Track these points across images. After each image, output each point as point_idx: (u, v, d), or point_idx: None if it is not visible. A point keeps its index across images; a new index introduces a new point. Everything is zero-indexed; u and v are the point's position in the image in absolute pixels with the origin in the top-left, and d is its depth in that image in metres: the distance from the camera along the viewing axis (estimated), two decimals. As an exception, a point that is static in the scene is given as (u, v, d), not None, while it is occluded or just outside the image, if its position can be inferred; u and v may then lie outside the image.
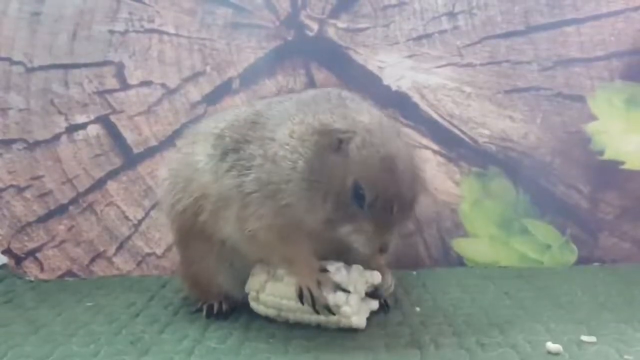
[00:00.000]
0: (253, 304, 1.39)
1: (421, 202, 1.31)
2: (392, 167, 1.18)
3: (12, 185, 1.81)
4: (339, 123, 1.22)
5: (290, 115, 1.28)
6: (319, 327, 1.31)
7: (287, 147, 1.23)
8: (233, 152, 1.32)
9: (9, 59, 1.80)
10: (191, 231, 1.40)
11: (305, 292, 1.27)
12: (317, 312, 1.27)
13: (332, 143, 1.20)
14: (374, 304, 1.35)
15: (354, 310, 1.28)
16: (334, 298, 1.26)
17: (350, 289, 1.27)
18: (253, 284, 1.38)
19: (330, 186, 1.19)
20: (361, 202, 1.18)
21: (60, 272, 1.81)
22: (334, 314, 1.27)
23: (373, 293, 1.34)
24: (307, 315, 1.31)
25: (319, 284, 1.27)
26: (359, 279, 1.30)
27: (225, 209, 1.32)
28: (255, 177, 1.26)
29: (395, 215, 1.19)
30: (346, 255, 1.34)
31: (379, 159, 1.18)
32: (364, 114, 1.25)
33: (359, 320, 1.29)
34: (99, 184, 1.81)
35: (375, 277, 1.32)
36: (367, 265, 1.33)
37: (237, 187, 1.28)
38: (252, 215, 1.26)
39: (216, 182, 1.32)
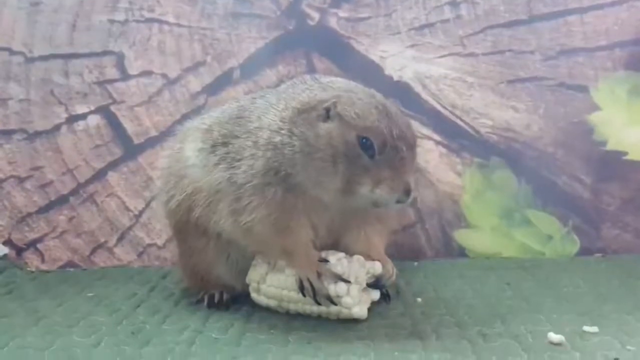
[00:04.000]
0: (254, 295, 1.39)
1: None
2: (387, 112, 1.22)
3: (12, 176, 1.80)
4: (319, 95, 1.26)
5: (272, 104, 1.31)
6: (320, 318, 1.31)
7: (282, 132, 1.25)
8: (222, 145, 1.33)
9: (8, 49, 1.79)
10: (187, 226, 1.40)
11: (306, 284, 1.27)
12: (319, 303, 1.27)
13: (320, 114, 1.23)
14: (375, 295, 1.35)
15: (355, 300, 1.27)
16: (335, 288, 1.26)
17: (352, 279, 1.27)
18: (254, 275, 1.38)
19: (334, 151, 1.21)
20: (371, 152, 1.20)
21: (61, 263, 1.81)
22: (335, 304, 1.26)
23: (374, 283, 1.33)
24: (308, 306, 1.31)
25: (318, 274, 1.26)
26: (360, 269, 1.30)
27: (217, 203, 1.32)
28: (248, 166, 1.27)
29: (406, 154, 1.21)
30: (346, 245, 1.35)
31: (372, 107, 1.22)
32: (340, 82, 1.31)
33: (360, 310, 1.28)
34: (100, 174, 1.81)
35: (377, 267, 1.32)
36: (368, 255, 1.33)
37: (228, 180, 1.29)
38: (246, 207, 1.27)
39: (207, 175, 1.33)
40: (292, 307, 1.33)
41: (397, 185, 1.20)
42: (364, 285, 1.31)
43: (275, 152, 1.25)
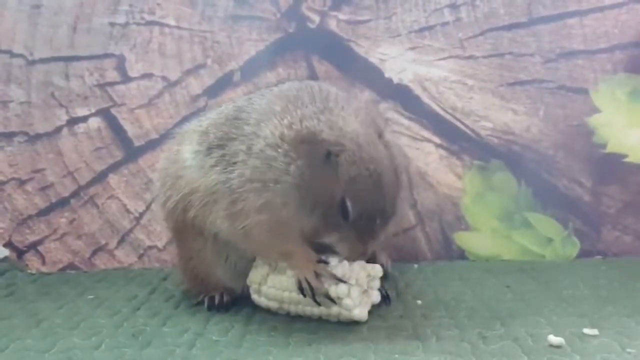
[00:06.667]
0: (255, 297, 1.39)
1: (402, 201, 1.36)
2: (378, 184, 1.22)
3: (13, 178, 1.81)
4: (326, 133, 1.22)
5: (276, 112, 1.29)
6: (320, 320, 1.31)
7: (279, 149, 1.24)
8: (218, 148, 1.33)
9: (9, 52, 1.80)
10: (184, 228, 1.41)
11: (304, 284, 1.27)
12: (318, 304, 1.27)
13: (321, 154, 1.21)
14: (376, 297, 1.35)
15: (356, 302, 1.28)
16: (336, 290, 1.26)
17: (352, 281, 1.27)
18: (255, 277, 1.38)
19: (319, 197, 1.21)
20: (347, 217, 1.21)
21: (61, 265, 1.81)
22: (335, 302, 1.27)
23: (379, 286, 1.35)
24: (308, 307, 1.31)
25: (316, 274, 1.27)
26: (361, 272, 1.30)
27: (213, 204, 1.32)
28: (240, 173, 1.27)
29: (378, 227, 1.24)
30: None
31: (366, 177, 1.21)
32: (350, 121, 1.26)
33: (360, 313, 1.29)
34: (100, 177, 1.81)
35: (377, 270, 1.32)
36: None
37: (224, 183, 1.30)
38: (241, 211, 1.27)
39: (203, 177, 1.34)
40: (293, 308, 1.33)
41: (357, 249, 1.25)
42: (365, 287, 1.31)
43: (263, 162, 1.24)
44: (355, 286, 1.28)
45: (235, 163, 1.29)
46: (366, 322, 1.30)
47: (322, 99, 1.30)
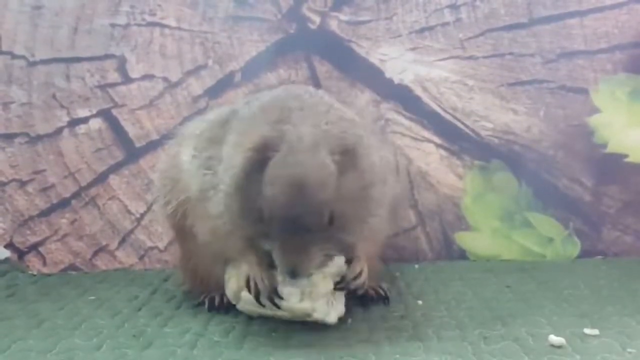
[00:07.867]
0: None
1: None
2: (296, 188, 1.09)
3: (14, 179, 1.81)
4: (273, 141, 1.14)
5: (244, 120, 1.26)
6: (317, 322, 1.30)
7: (226, 156, 1.23)
8: (205, 151, 1.32)
9: (10, 53, 1.80)
10: (183, 231, 1.41)
11: (253, 290, 1.26)
12: (263, 305, 1.26)
13: (261, 161, 1.15)
14: (340, 295, 1.30)
15: (324, 312, 1.25)
16: (301, 307, 1.24)
17: (313, 296, 1.24)
18: (229, 292, 1.36)
19: (248, 203, 1.17)
20: (263, 221, 1.15)
21: (62, 266, 1.82)
22: (279, 307, 1.24)
23: (341, 286, 1.28)
24: (281, 313, 1.28)
25: (263, 280, 1.25)
26: (322, 280, 1.25)
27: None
28: (209, 179, 1.28)
29: (289, 237, 1.13)
30: None
31: (282, 179, 1.11)
32: (305, 131, 1.15)
33: (332, 317, 1.26)
34: (101, 177, 1.81)
35: (338, 264, 1.25)
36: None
37: (200, 186, 1.31)
38: (198, 216, 1.30)
39: (195, 182, 1.33)
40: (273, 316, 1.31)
41: (282, 262, 1.15)
42: (329, 291, 1.26)
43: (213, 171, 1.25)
44: (319, 298, 1.24)
45: (209, 168, 1.29)
46: (367, 322, 1.30)
47: (299, 108, 1.21)
